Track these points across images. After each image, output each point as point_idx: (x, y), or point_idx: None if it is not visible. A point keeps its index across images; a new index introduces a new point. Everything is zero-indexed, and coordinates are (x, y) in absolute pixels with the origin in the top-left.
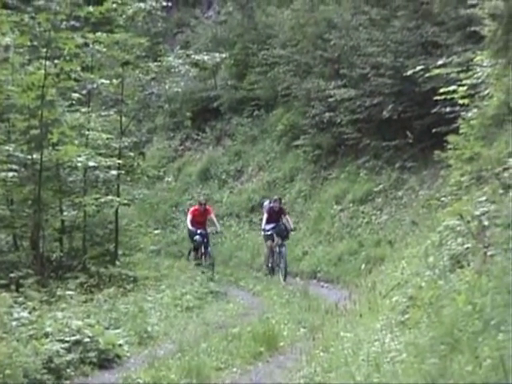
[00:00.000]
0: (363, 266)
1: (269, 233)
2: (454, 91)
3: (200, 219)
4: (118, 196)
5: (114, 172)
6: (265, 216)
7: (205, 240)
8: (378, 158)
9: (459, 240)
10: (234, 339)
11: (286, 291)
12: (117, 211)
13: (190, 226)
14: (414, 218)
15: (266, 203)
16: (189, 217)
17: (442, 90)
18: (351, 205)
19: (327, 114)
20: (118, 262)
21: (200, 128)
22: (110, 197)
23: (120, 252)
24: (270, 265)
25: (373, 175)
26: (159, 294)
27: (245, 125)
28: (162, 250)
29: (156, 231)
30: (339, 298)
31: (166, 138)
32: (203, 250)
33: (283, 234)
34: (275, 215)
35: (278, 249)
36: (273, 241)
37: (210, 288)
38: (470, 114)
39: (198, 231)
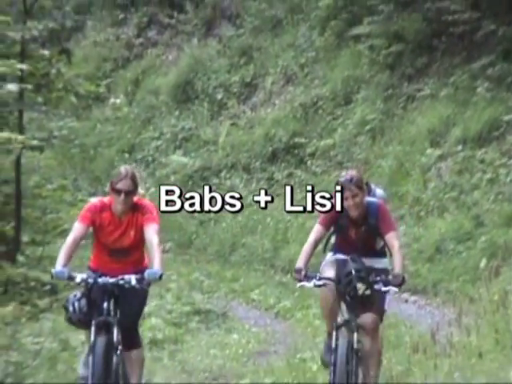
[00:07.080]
0: (484, 263)
1: (320, 283)
2: None
3: (114, 241)
4: (21, 132)
5: (13, 86)
6: (313, 233)
7: (110, 308)
8: None
9: None
10: None
11: None
12: (18, 161)
13: (58, 265)
14: None
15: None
16: (74, 231)
17: None
18: (460, 147)
19: None
20: (20, 257)
21: (174, 2)
22: (4, 133)
23: (25, 238)
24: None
25: (503, 91)
26: None
27: None
28: None
29: (93, 199)
30: (438, 322)
31: (110, 22)
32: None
33: (359, 292)
34: (354, 234)
35: (341, 336)
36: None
37: (196, 304)
38: None
39: (94, 279)
